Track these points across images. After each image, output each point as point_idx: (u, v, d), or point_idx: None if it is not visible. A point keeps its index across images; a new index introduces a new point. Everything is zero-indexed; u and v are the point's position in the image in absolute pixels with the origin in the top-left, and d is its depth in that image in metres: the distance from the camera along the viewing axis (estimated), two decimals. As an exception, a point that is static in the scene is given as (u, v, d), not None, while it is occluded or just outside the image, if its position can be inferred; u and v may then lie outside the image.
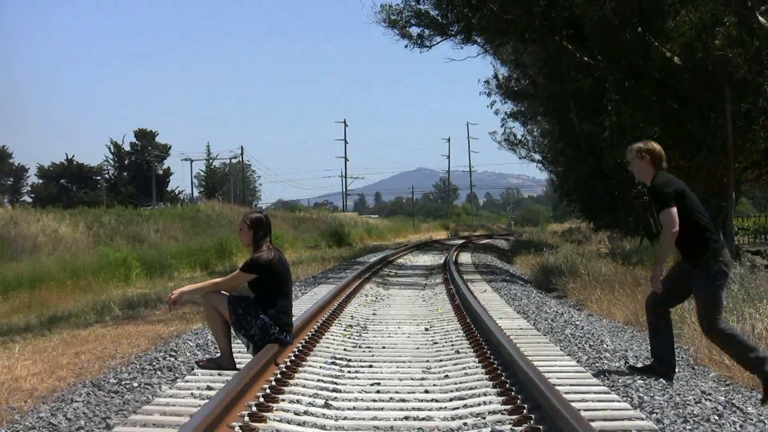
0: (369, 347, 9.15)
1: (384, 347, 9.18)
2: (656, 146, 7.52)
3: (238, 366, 7.34)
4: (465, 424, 5.70)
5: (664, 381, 7.08)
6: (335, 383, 7.01)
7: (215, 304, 7.45)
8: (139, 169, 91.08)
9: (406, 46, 33.12)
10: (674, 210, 7.08)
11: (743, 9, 22.18)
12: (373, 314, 12.49)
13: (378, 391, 6.75)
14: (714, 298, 7.12)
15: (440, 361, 8.23)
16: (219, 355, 7.60)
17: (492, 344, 8.23)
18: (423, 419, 5.85)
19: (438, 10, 31.48)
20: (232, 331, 7.52)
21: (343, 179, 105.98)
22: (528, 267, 25.87)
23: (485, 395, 6.45)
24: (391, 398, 6.50)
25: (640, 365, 7.70)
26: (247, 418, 5.57)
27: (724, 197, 26.91)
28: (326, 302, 12.09)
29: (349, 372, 7.62)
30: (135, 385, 6.98)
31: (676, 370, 7.53)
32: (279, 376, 6.87)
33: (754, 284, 13.04)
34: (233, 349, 7.57)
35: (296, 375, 7.14)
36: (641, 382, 6.99)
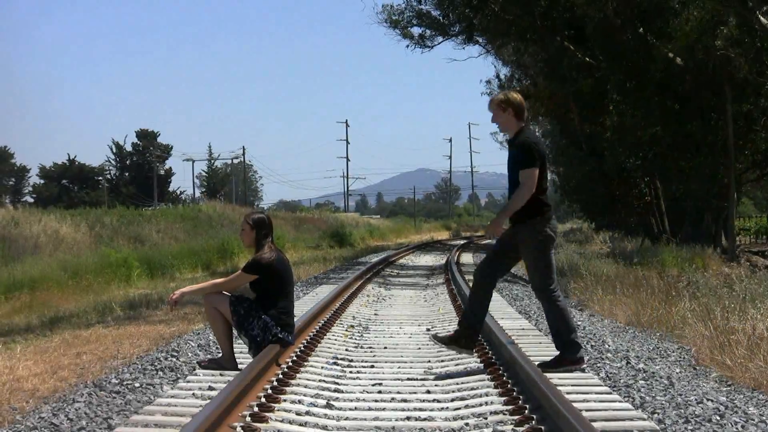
0: (371, 347, 9.15)
1: (386, 347, 9.18)
2: (518, 96, 7.52)
3: (239, 366, 7.34)
4: (467, 424, 5.70)
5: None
6: (337, 383, 7.01)
7: (217, 305, 7.46)
8: (141, 169, 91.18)
9: (407, 47, 33.21)
10: (537, 171, 7.17)
11: (744, 9, 22.19)
12: (375, 314, 12.49)
13: (380, 392, 6.75)
14: (543, 259, 7.30)
15: (442, 361, 8.23)
16: (221, 355, 7.61)
17: (494, 344, 8.23)
18: (425, 419, 5.85)
19: (439, 11, 31.54)
20: (233, 331, 7.53)
21: (345, 179, 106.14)
22: (529, 267, 25.81)
23: (487, 395, 6.45)
24: (392, 398, 6.50)
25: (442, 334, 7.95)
26: (248, 419, 5.58)
27: (726, 198, 26.94)
28: (328, 302, 12.08)
29: (350, 372, 7.62)
30: (137, 385, 6.99)
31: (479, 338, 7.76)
32: (281, 376, 6.87)
33: (755, 284, 13.06)
34: (234, 350, 7.58)
35: (298, 375, 7.14)
36: (643, 382, 6.99)
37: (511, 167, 7.36)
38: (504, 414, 5.87)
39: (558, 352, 7.44)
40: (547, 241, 7.30)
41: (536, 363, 7.13)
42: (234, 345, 7.58)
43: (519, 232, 7.32)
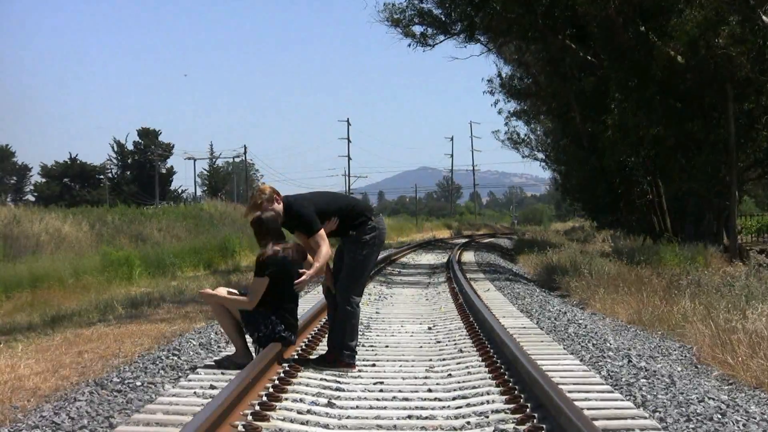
0: (372, 346, 9.15)
1: (387, 346, 9.18)
2: (268, 186, 7.71)
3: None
4: (468, 423, 5.70)
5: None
6: (338, 382, 7.01)
7: (222, 304, 7.49)
8: (142, 168, 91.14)
9: (409, 45, 33.22)
10: (323, 231, 7.44)
11: (746, 8, 22.17)
12: (377, 313, 12.49)
13: (381, 390, 6.75)
14: (358, 264, 7.60)
15: (443, 360, 8.23)
16: (234, 352, 7.61)
17: (495, 343, 8.23)
18: (426, 418, 5.85)
19: (441, 9, 31.53)
20: (239, 327, 7.59)
21: (347, 178, 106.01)
22: (531, 266, 25.86)
23: (488, 394, 6.45)
24: (394, 397, 6.50)
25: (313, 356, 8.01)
26: (250, 417, 5.58)
27: (727, 196, 26.92)
28: (329, 301, 12.06)
29: (352, 371, 7.61)
30: (138, 384, 6.99)
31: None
32: (282, 374, 6.87)
33: (756, 283, 13.05)
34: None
35: (299, 374, 7.14)
36: (644, 381, 6.99)
37: (298, 233, 7.64)
38: (505, 413, 5.87)
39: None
40: (372, 241, 7.62)
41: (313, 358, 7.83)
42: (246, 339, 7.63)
43: (346, 243, 7.70)
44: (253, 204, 7.59)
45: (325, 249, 7.40)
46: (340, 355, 7.57)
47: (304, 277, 7.47)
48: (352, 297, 7.63)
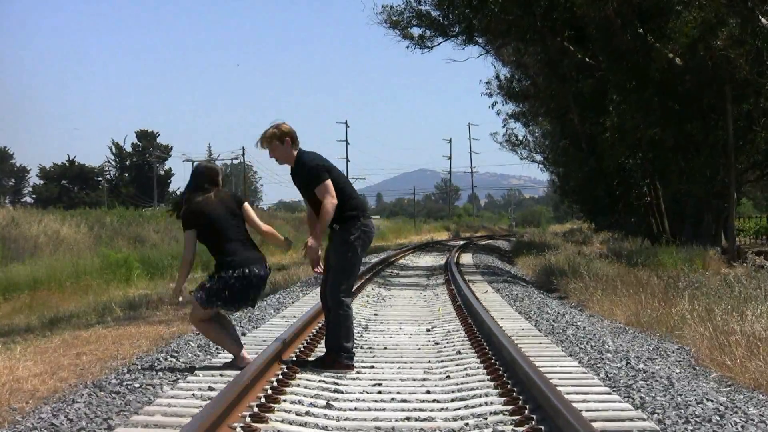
0: (371, 348, 9.14)
1: (386, 348, 9.17)
2: (287, 125, 7.55)
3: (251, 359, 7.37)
4: (467, 424, 5.69)
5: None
6: (337, 384, 7.00)
7: (199, 316, 7.55)
8: (141, 170, 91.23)
9: (407, 47, 33.25)
10: (330, 182, 7.36)
11: (745, 9, 22.20)
12: (375, 315, 12.48)
13: (380, 392, 6.75)
14: (345, 264, 7.57)
15: (442, 361, 8.22)
16: (233, 359, 7.60)
17: (493, 345, 8.23)
18: (425, 420, 5.85)
19: (439, 11, 31.56)
20: (232, 330, 7.62)
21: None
22: (529, 268, 25.86)
23: (487, 396, 6.45)
24: (392, 399, 6.49)
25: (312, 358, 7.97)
26: (248, 419, 5.58)
27: (726, 198, 26.95)
28: (327, 303, 12.05)
29: (350, 373, 7.61)
30: (136, 385, 6.97)
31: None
32: (280, 376, 6.87)
33: (754, 284, 13.06)
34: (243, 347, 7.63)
35: (298, 375, 7.14)
36: (643, 382, 6.99)
37: (304, 190, 7.58)
38: (504, 414, 5.87)
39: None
40: (357, 242, 7.57)
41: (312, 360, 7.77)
42: (241, 341, 7.64)
43: (331, 239, 7.66)
44: (263, 137, 7.53)
45: (329, 204, 7.30)
46: (338, 357, 7.57)
47: (309, 243, 7.38)
48: (342, 298, 7.61)
